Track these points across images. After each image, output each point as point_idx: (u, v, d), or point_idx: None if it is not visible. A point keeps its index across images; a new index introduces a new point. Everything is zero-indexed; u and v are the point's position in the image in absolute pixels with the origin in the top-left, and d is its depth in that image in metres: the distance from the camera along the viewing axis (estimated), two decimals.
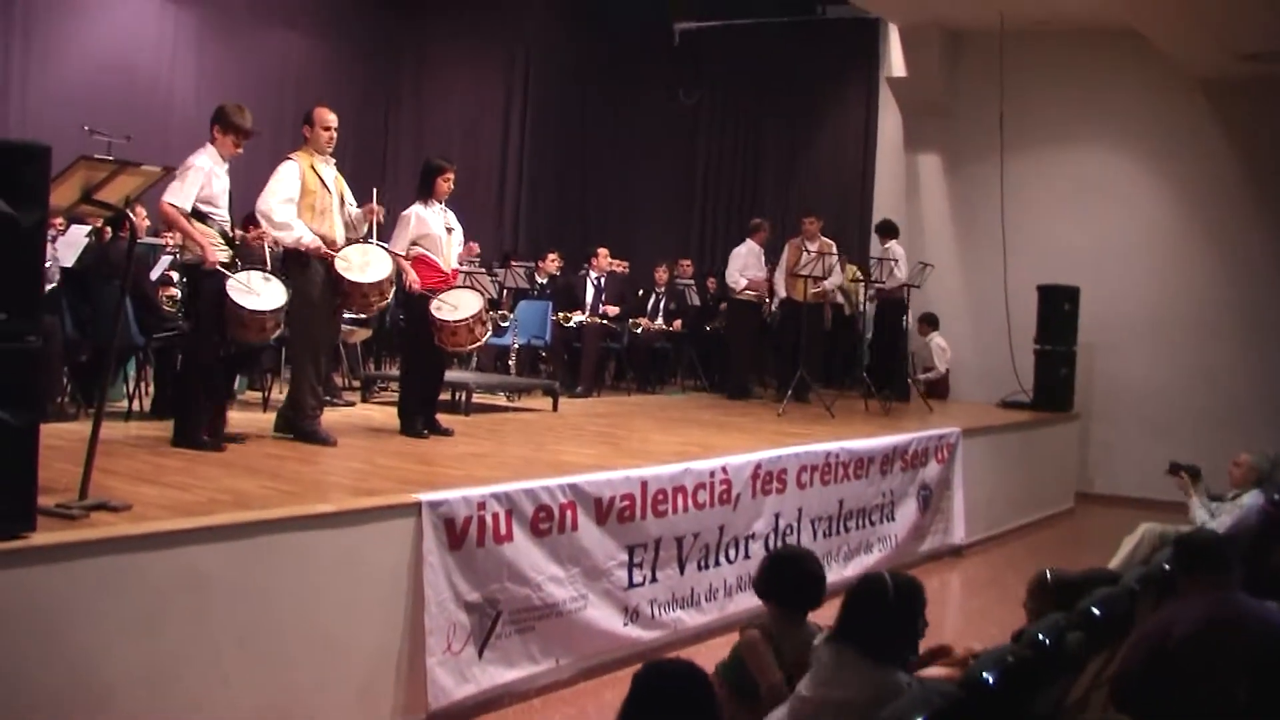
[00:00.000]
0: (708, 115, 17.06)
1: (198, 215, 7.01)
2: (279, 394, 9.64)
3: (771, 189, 16.36)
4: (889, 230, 13.73)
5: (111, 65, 13.41)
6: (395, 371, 9.79)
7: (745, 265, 12.94)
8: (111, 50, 13.64)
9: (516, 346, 12.19)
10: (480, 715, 5.97)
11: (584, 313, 13.07)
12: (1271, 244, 13.39)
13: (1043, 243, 13.95)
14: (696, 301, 14.45)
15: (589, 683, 6.54)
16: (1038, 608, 4.86)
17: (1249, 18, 11.12)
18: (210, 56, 14.78)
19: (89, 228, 8.36)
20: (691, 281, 14.75)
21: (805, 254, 12.20)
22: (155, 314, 8.64)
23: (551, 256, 14.15)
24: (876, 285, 13.00)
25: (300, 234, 7.44)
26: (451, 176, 8.36)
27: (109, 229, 8.31)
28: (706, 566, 7.55)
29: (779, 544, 8.22)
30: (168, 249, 9.99)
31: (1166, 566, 5.20)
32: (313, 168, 7.66)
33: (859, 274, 13.75)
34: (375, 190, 8.08)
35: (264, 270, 7.22)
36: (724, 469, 7.71)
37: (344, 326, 9.44)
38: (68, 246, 8.20)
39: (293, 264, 7.45)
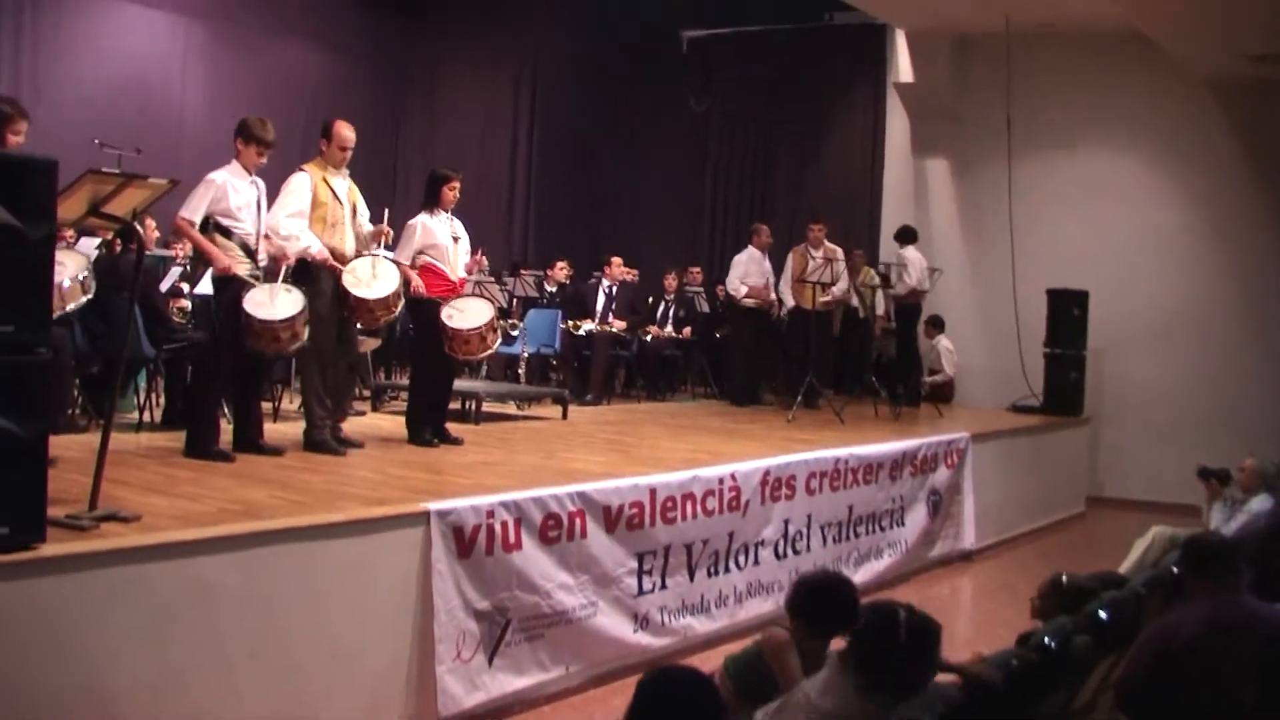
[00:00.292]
0: (716, 122, 17.08)
1: (219, 228, 7.06)
2: (289, 404, 9.71)
3: (781, 195, 16.38)
4: (907, 236, 13.71)
5: (122, 78, 13.49)
6: (406, 381, 9.81)
7: (746, 272, 12.92)
8: (122, 63, 13.73)
9: (526, 355, 12.20)
10: None
11: (594, 321, 13.08)
12: None
13: (1051, 246, 13.93)
14: (706, 309, 14.45)
15: (599, 690, 6.55)
16: (1045, 607, 4.87)
17: (1256, 19, 11.09)
18: (220, 69, 14.86)
19: (99, 240, 8.40)
20: (701, 289, 14.76)
21: (811, 260, 12.21)
22: (165, 325, 8.67)
23: (560, 265, 14.17)
24: (885, 290, 12.99)
25: (308, 243, 7.48)
26: (457, 185, 8.38)
27: (119, 241, 8.35)
28: (716, 573, 7.56)
29: (789, 550, 8.24)
30: (178, 261, 10.04)
31: (1175, 569, 5.21)
32: (325, 180, 7.71)
33: (874, 276, 13.72)
34: (386, 211, 8.12)
35: (284, 283, 7.24)
36: (733, 476, 7.72)
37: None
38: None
39: (302, 276, 7.48)
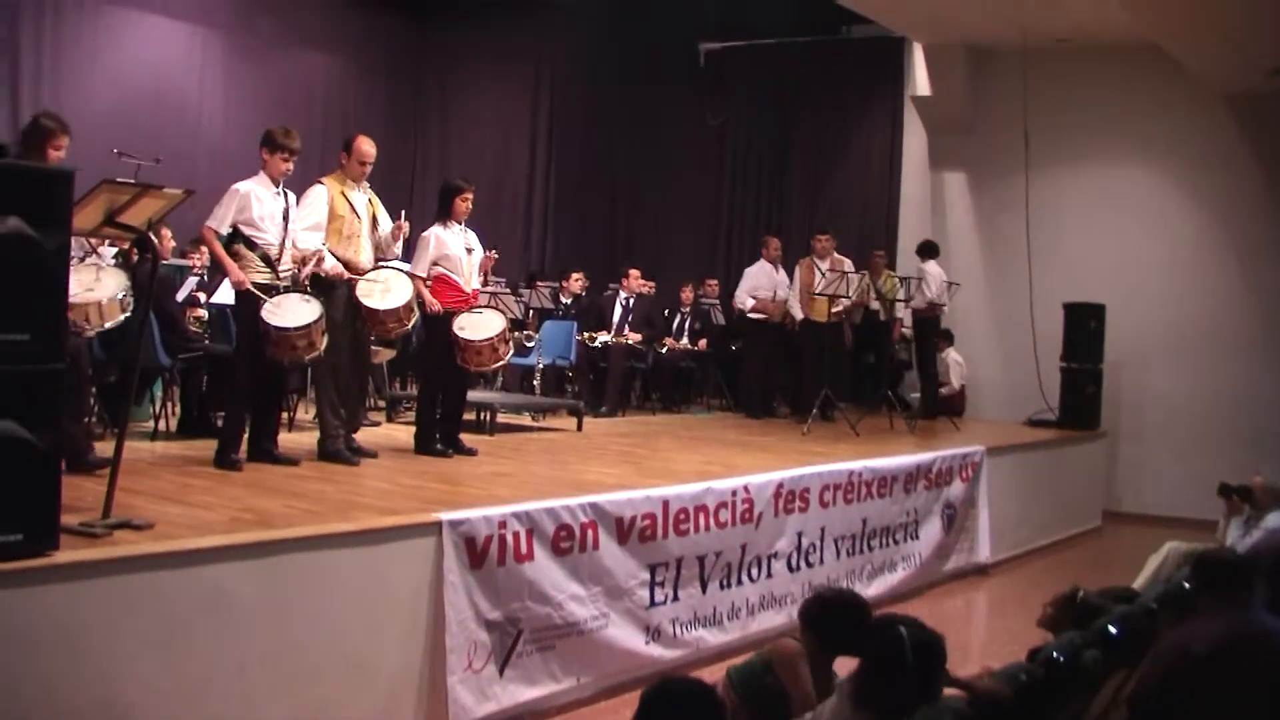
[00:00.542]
0: (733, 135, 17.06)
1: (243, 239, 7.11)
2: (304, 414, 9.74)
3: (797, 208, 16.37)
4: (929, 251, 13.69)
5: (140, 89, 13.56)
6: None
7: (756, 285, 12.90)
8: (142, 74, 13.79)
9: (541, 366, 12.22)
10: None
11: (610, 333, 13.09)
12: None
13: (1068, 260, 13.92)
14: (722, 321, 14.44)
15: (610, 701, 6.55)
16: (1057, 618, 4.87)
17: (1272, 33, 11.09)
18: (238, 79, 14.92)
19: (116, 250, 8.45)
20: (717, 301, 14.74)
21: (818, 272, 12.20)
22: (181, 335, 8.72)
23: (576, 276, 14.18)
24: (903, 302, 12.97)
25: (331, 263, 7.56)
26: (469, 197, 8.40)
27: (135, 251, 8.39)
28: (729, 585, 7.56)
29: (802, 563, 8.24)
30: (194, 270, 10.09)
31: (1186, 585, 5.19)
32: (343, 193, 7.79)
33: (896, 279, 13.68)
34: (404, 211, 8.18)
35: (303, 292, 7.28)
36: (746, 488, 7.72)
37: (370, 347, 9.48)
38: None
39: (317, 286, 7.53)
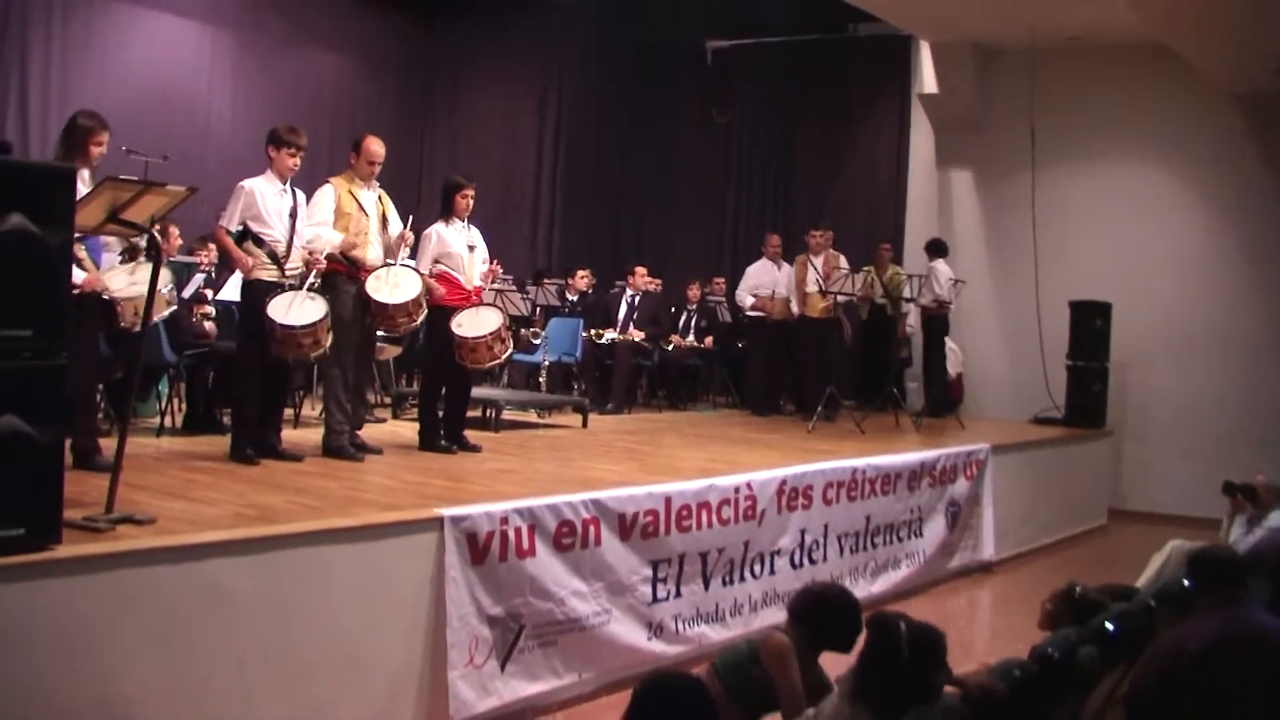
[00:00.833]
0: (740, 133, 17.05)
1: (252, 236, 7.16)
2: (310, 410, 9.77)
3: (804, 206, 16.34)
4: (938, 249, 13.70)
5: (149, 87, 13.60)
6: None
7: (758, 283, 12.95)
8: (150, 72, 13.84)
9: (547, 364, 12.24)
10: None
11: (616, 330, 13.11)
12: None
13: (1075, 258, 13.91)
14: (728, 319, 14.46)
15: (611, 697, 6.55)
16: (1056, 614, 4.88)
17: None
18: (246, 78, 14.97)
19: (123, 247, 8.49)
20: (723, 299, 14.76)
21: (810, 269, 12.20)
22: (187, 331, 8.76)
23: (581, 273, 14.19)
24: (908, 300, 12.96)
25: (328, 239, 7.62)
26: (469, 193, 8.43)
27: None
28: (731, 582, 7.57)
29: (805, 560, 8.25)
30: (202, 267, 10.12)
31: (1186, 583, 5.20)
32: (350, 192, 7.86)
33: (902, 273, 13.68)
34: (410, 217, 8.23)
35: (309, 291, 7.32)
36: (749, 485, 7.74)
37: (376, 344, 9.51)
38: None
39: (326, 281, 7.58)
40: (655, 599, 6.96)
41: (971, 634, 9.19)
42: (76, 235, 6.11)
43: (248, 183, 7.25)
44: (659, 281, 14.37)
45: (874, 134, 16.10)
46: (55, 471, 4.40)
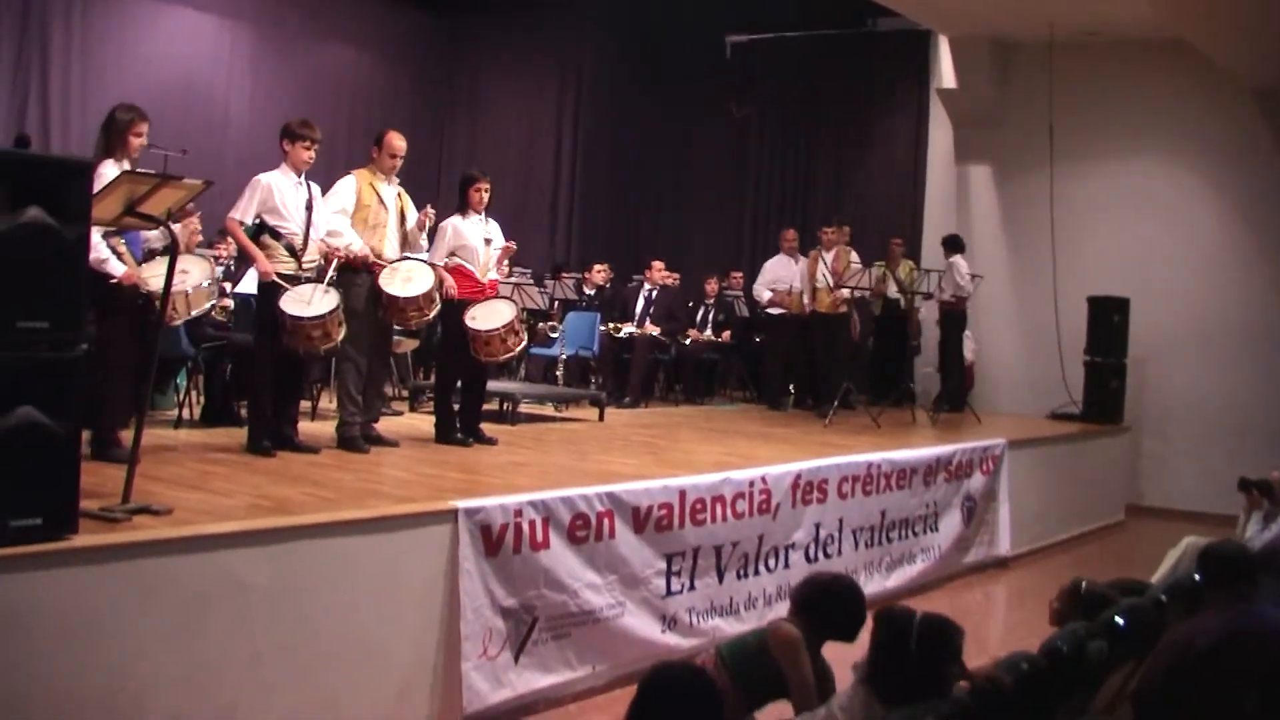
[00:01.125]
0: (758, 127, 17.06)
1: (268, 229, 7.21)
2: (327, 403, 9.82)
3: (822, 200, 16.35)
4: (956, 245, 13.69)
5: (169, 81, 13.67)
6: None
7: (776, 278, 12.99)
8: (169, 66, 13.92)
9: (564, 357, 12.27)
10: None
11: (634, 324, 13.14)
12: None
13: (1093, 254, 13.89)
14: (745, 313, 14.46)
15: (625, 689, 6.54)
16: (1064, 611, 4.88)
17: None
18: (266, 72, 15.05)
19: (164, 243, 8.56)
20: (741, 293, 14.77)
21: (821, 265, 12.22)
22: (204, 324, 8.81)
23: (598, 268, 14.22)
24: (921, 294, 12.95)
25: (349, 240, 7.65)
26: (483, 187, 8.47)
27: None
28: (746, 575, 7.59)
29: (820, 554, 8.26)
30: (220, 261, 10.18)
31: (1197, 578, 5.19)
32: (371, 185, 7.94)
33: (914, 268, 13.68)
34: (430, 205, 8.28)
35: (322, 283, 7.37)
36: (763, 479, 7.75)
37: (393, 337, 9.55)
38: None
39: (342, 274, 7.63)
40: (669, 592, 6.99)
41: (986, 629, 9.18)
42: (115, 230, 6.22)
43: (263, 177, 7.32)
44: (676, 276, 14.38)
45: (892, 129, 16.10)
46: (72, 462, 4.43)
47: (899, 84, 15.98)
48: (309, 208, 7.38)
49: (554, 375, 12.41)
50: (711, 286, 14.35)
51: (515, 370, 11.98)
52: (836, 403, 11.57)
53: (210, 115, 14.21)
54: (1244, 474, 8.88)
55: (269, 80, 15.06)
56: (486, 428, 8.68)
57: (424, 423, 9.17)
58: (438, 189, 16.46)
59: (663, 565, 6.94)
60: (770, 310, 13.06)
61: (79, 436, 4.49)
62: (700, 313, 14.21)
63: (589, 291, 13.93)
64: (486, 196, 8.48)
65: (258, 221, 7.25)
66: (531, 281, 12.50)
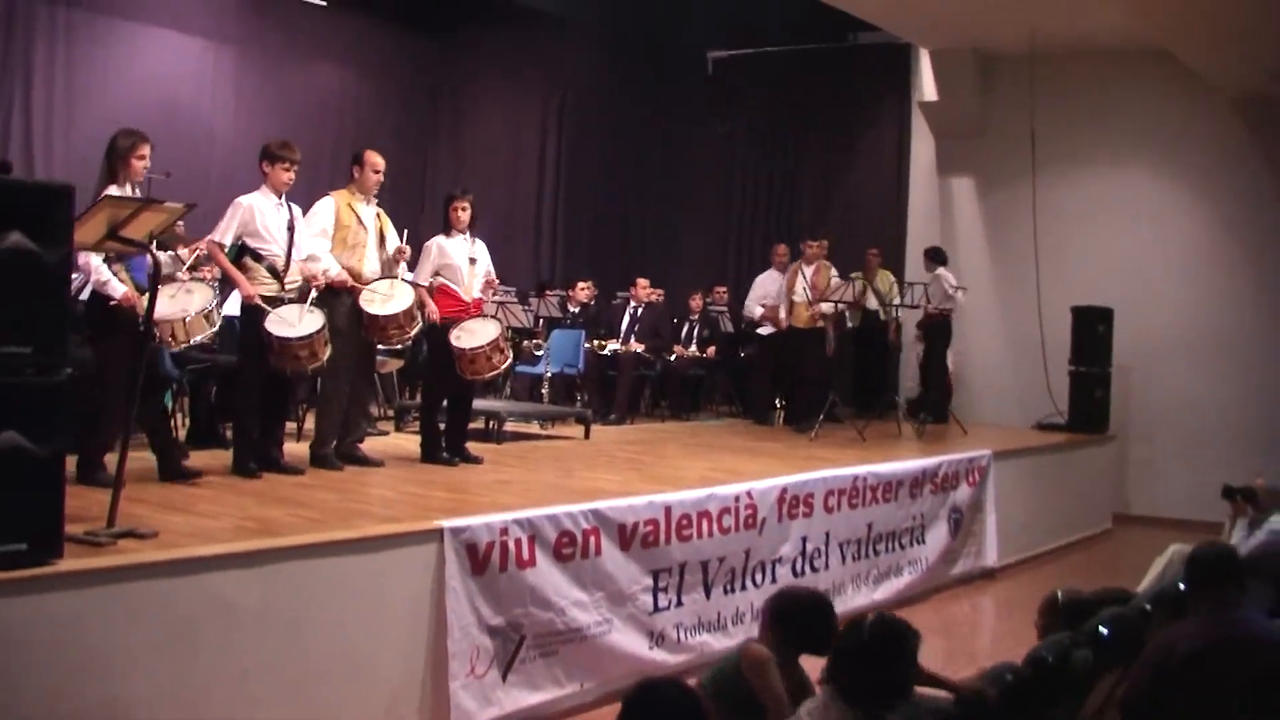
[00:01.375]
0: (742, 142, 17.11)
1: (249, 251, 7.22)
2: (313, 424, 9.79)
3: (807, 214, 16.39)
4: (939, 257, 13.75)
5: (153, 103, 13.65)
6: None
7: (765, 293, 12.99)
8: (154, 87, 13.91)
9: (549, 375, 12.28)
10: None
11: (619, 341, 13.15)
12: None
13: (1076, 263, 13.93)
14: (730, 328, 14.48)
15: (613, 706, 6.51)
16: (1048, 626, 4.89)
17: (1276, 35, 11.09)
18: (249, 92, 15.05)
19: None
20: (725, 308, 14.78)
21: (800, 279, 12.21)
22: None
23: (582, 285, 14.22)
24: (913, 306, 12.98)
25: (325, 265, 7.65)
26: (461, 205, 8.46)
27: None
28: (733, 590, 7.60)
29: (806, 568, 8.28)
30: (205, 283, 10.15)
31: (1182, 586, 5.22)
32: (350, 205, 7.94)
33: (892, 278, 13.72)
34: (405, 231, 8.29)
35: (306, 304, 7.38)
36: (749, 494, 7.77)
37: (376, 357, 9.55)
38: None
39: (323, 295, 7.64)
40: (656, 608, 7.00)
41: (974, 640, 9.20)
42: (115, 255, 6.22)
43: (244, 199, 7.32)
44: (661, 292, 14.40)
45: (875, 142, 16.15)
46: (56, 486, 4.44)
47: (881, 97, 16.04)
48: (290, 229, 7.38)
49: (539, 393, 12.42)
50: (696, 302, 14.35)
51: (500, 389, 11.97)
52: (822, 416, 11.57)
53: (194, 136, 14.20)
54: (1229, 481, 8.91)
55: (252, 101, 15.07)
56: (472, 446, 8.68)
57: (410, 442, 9.17)
58: (422, 206, 16.49)
59: (649, 581, 6.96)
60: (762, 325, 13.01)
61: (63, 461, 4.49)
62: (685, 329, 14.22)
63: (573, 309, 13.94)
64: (467, 215, 8.48)
65: (239, 244, 7.26)
66: (515, 300, 12.49)
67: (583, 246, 17.38)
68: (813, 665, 4.78)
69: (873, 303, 13.51)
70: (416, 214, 16.01)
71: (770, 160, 16.92)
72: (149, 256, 6.36)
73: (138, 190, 6.70)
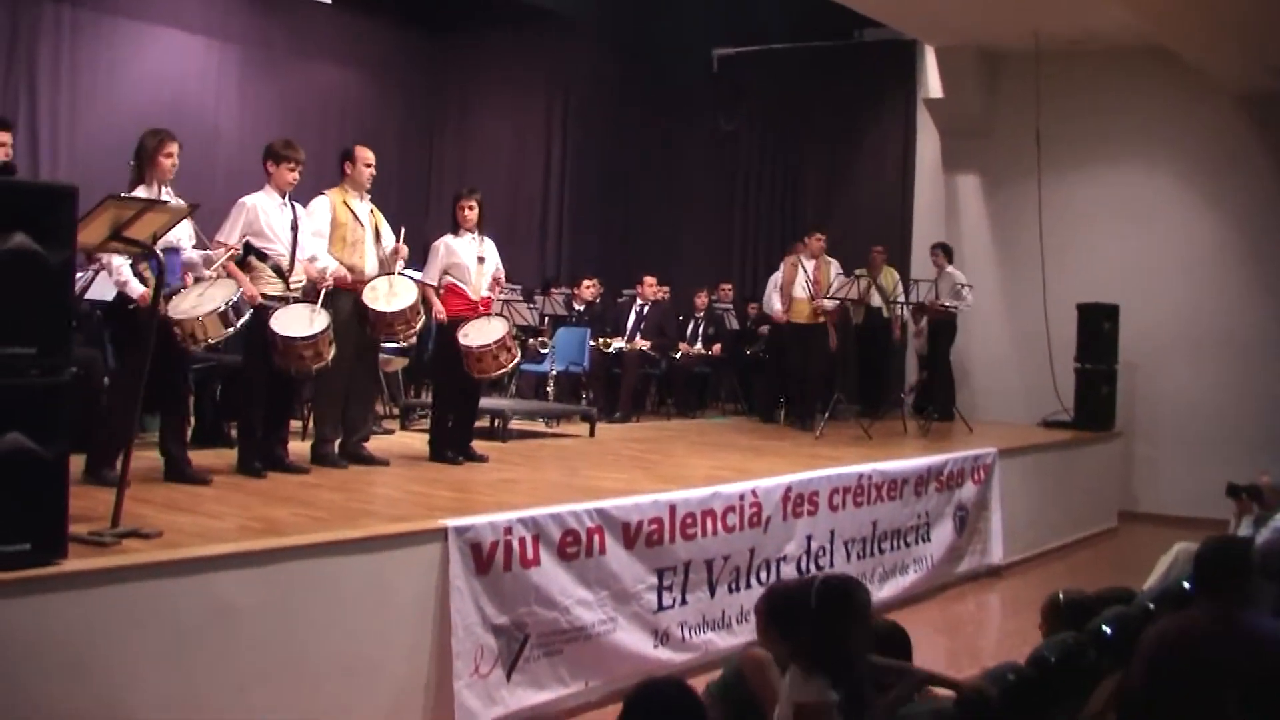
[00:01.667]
0: (746, 140, 17.10)
1: (254, 251, 7.23)
2: None
3: (811, 212, 16.34)
4: (950, 253, 13.75)
5: (157, 103, 13.64)
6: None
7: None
8: (158, 87, 13.92)
9: (555, 373, 12.29)
10: None
11: (624, 339, 13.16)
12: None
13: (1082, 261, 13.90)
14: (735, 326, 14.49)
15: (618, 705, 6.53)
16: (1050, 627, 4.88)
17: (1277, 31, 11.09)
18: (254, 93, 15.06)
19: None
20: (730, 306, 14.80)
21: (801, 272, 12.15)
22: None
23: (587, 283, 14.25)
24: (918, 305, 12.97)
25: (324, 264, 7.68)
26: (468, 204, 8.49)
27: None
28: (738, 589, 7.59)
29: (811, 565, 8.27)
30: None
31: (1186, 584, 5.21)
32: (345, 203, 7.96)
33: (897, 276, 13.70)
34: (403, 230, 8.29)
35: (317, 303, 7.39)
36: (753, 492, 7.77)
37: (381, 356, 9.57)
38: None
39: (325, 293, 7.65)
40: (661, 606, 7.00)
41: (980, 638, 9.21)
42: (146, 254, 6.19)
43: (248, 199, 7.33)
44: (666, 289, 14.41)
45: (880, 139, 16.13)
46: (60, 487, 4.44)
47: (886, 95, 16.01)
48: (294, 228, 7.39)
49: (545, 391, 12.43)
50: (701, 300, 14.37)
51: (506, 387, 11.99)
52: (827, 414, 11.56)
53: (199, 136, 14.12)
54: (1236, 479, 8.89)
55: (256, 100, 15.07)
56: (477, 445, 8.69)
57: (415, 441, 9.18)
58: (426, 206, 16.52)
59: (654, 580, 6.96)
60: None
61: (67, 461, 4.49)
62: (690, 326, 14.23)
63: (579, 307, 13.96)
64: (474, 214, 8.50)
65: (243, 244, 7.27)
66: (521, 298, 12.50)
67: (588, 244, 17.38)
68: None
69: (876, 300, 13.49)
70: (422, 213, 16.05)
71: (775, 158, 16.90)
72: (171, 256, 6.45)
73: (167, 190, 6.71)
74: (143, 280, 6.62)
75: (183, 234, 6.88)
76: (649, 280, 13.68)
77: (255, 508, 6.10)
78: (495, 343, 8.15)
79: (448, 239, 8.50)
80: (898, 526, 9.28)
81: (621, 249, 17.45)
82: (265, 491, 6.67)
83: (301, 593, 5.15)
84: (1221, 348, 13.57)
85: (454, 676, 5.71)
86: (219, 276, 6.92)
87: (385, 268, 8.07)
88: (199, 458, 7.30)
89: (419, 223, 14.95)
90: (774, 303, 12.56)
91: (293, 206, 7.46)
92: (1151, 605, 5.13)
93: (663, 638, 7.01)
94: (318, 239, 7.73)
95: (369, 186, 8.12)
